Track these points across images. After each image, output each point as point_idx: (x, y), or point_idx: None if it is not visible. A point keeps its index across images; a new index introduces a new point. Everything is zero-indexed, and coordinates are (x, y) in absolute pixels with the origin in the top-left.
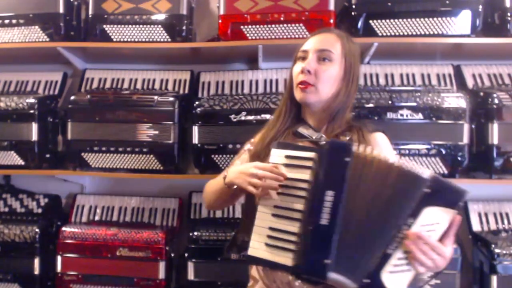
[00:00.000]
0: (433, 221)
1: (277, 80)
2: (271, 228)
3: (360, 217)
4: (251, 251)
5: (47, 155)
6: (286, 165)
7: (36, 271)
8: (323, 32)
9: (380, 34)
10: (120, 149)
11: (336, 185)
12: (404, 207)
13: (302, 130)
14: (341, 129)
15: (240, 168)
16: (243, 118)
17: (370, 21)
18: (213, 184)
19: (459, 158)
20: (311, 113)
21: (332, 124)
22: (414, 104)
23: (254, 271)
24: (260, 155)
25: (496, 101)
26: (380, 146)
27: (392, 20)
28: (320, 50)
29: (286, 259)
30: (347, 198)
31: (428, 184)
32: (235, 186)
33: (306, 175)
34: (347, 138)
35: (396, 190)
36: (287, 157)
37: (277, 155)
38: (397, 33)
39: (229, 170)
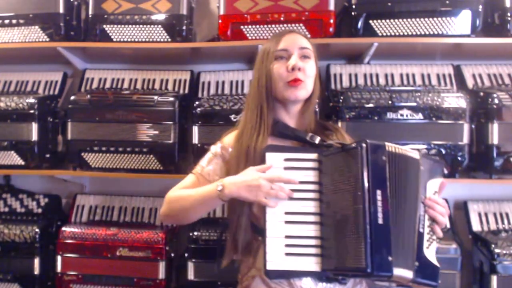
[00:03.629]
0: (433, 191)
1: None
2: (288, 236)
3: (397, 208)
4: (271, 265)
5: (47, 155)
6: (286, 168)
7: (36, 271)
8: (291, 32)
9: (380, 34)
10: (120, 149)
11: (381, 184)
12: (417, 186)
13: (287, 130)
14: (312, 127)
15: (242, 180)
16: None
17: (370, 21)
18: (190, 197)
19: (459, 158)
20: (287, 112)
21: (304, 123)
22: (414, 104)
23: (258, 284)
24: (247, 160)
25: (496, 101)
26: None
27: (392, 20)
28: (301, 48)
29: (313, 265)
30: (390, 195)
31: (420, 162)
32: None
33: (311, 176)
34: (333, 137)
35: (409, 175)
36: (287, 160)
37: (274, 159)
38: (397, 33)
39: (226, 182)
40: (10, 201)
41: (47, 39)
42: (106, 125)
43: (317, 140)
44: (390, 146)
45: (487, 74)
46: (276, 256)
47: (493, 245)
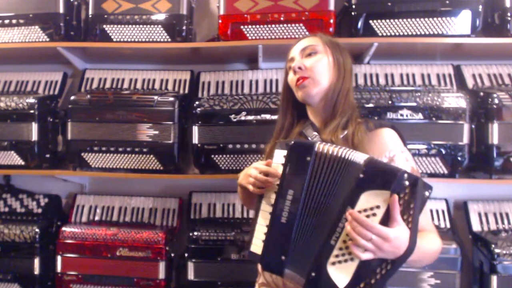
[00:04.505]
0: (372, 205)
1: (277, 80)
2: (267, 226)
3: (311, 210)
4: (253, 248)
5: (47, 155)
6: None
7: (36, 271)
8: (298, 40)
9: (380, 34)
10: (120, 149)
11: (296, 185)
12: (339, 194)
13: (304, 130)
14: (341, 125)
15: (246, 170)
16: (243, 118)
17: (370, 21)
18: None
19: (459, 158)
20: (313, 111)
21: (332, 121)
22: (414, 104)
23: (261, 278)
24: (269, 156)
25: (496, 101)
26: (382, 142)
27: (392, 20)
28: (303, 49)
29: (258, 249)
30: (304, 197)
31: (362, 169)
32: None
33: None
34: (341, 135)
35: (332, 177)
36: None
37: (279, 155)
38: (397, 33)
39: (241, 172)
40: (10, 201)
41: (47, 39)
42: (106, 125)
43: (316, 139)
44: (324, 147)
45: (487, 74)
46: (258, 241)
47: (493, 245)
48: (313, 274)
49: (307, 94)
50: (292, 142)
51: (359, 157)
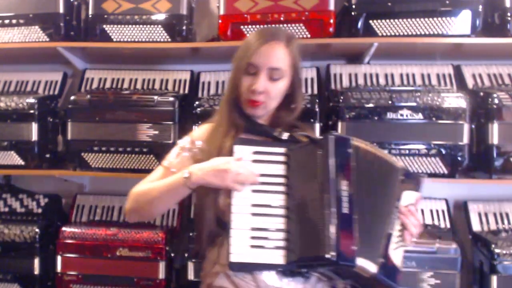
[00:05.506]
0: (409, 202)
1: None
2: (253, 229)
3: (364, 202)
4: (234, 258)
5: (47, 155)
6: (255, 161)
7: (36, 271)
8: (270, 40)
9: (380, 34)
10: (120, 149)
11: (346, 175)
12: (393, 191)
13: (255, 127)
14: (284, 127)
15: (209, 165)
16: None
17: (370, 21)
18: (156, 188)
19: (459, 158)
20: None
21: (276, 122)
22: (414, 104)
23: (222, 280)
24: (219, 153)
25: (496, 101)
26: None
27: (392, 20)
28: (271, 68)
29: (278, 258)
30: (354, 186)
31: (402, 172)
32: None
33: (279, 170)
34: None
35: (385, 177)
36: (256, 153)
37: (243, 152)
38: (397, 33)
39: (193, 169)
40: (10, 201)
41: (47, 39)
42: (106, 125)
43: (286, 136)
44: (357, 141)
45: (487, 74)
46: (240, 248)
47: (493, 245)
48: (382, 260)
49: (254, 114)
50: (334, 134)
51: (394, 161)
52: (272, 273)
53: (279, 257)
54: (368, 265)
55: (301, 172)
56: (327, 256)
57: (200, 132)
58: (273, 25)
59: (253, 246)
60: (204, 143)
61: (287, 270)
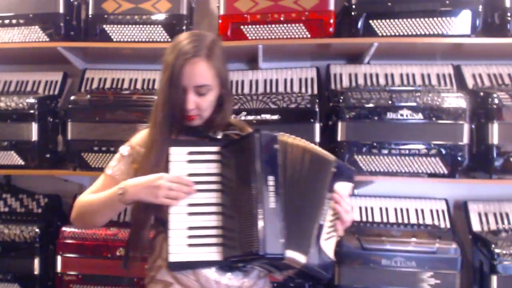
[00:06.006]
0: (343, 192)
1: (277, 80)
2: (190, 228)
3: (293, 196)
4: (173, 257)
5: (47, 155)
6: (190, 161)
7: (36, 271)
8: (191, 58)
9: (380, 34)
10: None
11: (273, 171)
12: (325, 183)
13: (191, 129)
14: (221, 128)
15: (141, 182)
16: (243, 118)
17: (370, 21)
18: (95, 202)
19: (459, 158)
20: None
21: (212, 124)
22: (414, 104)
23: (164, 274)
24: (157, 158)
25: (496, 101)
26: None
27: (392, 20)
28: (197, 86)
29: (215, 254)
30: (281, 181)
31: (334, 165)
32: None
33: (213, 168)
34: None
35: (315, 170)
36: (190, 153)
37: (178, 153)
38: (397, 33)
39: (127, 186)
40: (10, 201)
41: (47, 39)
42: (106, 125)
43: (220, 135)
44: (286, 136)
45: (487, 74)
46: (179, 248)
47: (493, 245)
48: (312, 250)
49: (190, 125)
50: (259, 131)
51: (326, 154)
52: (212, 269)
53: (215, 254)
54: (297, 256)
55: (234, 169)
56: (255, 251)
57: (139, 137)
58: (274, 25)
59: (190, 245)
60: (144, 149)
61: (225, 266)
